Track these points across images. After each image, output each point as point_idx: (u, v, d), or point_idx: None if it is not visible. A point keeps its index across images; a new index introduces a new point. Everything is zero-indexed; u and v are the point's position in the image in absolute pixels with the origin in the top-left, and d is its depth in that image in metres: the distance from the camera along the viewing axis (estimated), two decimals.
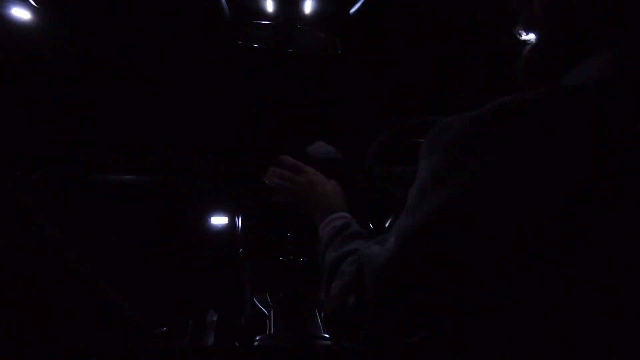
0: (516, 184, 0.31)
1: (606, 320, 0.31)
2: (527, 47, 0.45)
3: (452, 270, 0.34)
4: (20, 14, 1.04)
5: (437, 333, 0.36)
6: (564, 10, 0.40)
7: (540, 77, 0.44)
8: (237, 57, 1.29)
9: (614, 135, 0.31)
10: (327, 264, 0.53)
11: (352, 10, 1.17)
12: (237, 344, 1.07)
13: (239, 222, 1.25)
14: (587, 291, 0.31)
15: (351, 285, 0.42)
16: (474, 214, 0.33)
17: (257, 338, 0.96)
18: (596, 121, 0.31)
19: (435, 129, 0.38)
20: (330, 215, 0.66)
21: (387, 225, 1.08)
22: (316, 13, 1.21)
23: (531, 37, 0.44)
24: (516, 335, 0.33)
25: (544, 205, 0.31)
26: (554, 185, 0.31)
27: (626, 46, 0.36)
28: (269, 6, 1.20)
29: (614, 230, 0.30)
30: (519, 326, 0.33)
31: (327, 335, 1.00)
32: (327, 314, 0.47)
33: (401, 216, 0.40)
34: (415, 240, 0.36)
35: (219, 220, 1.33)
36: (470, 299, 0.33)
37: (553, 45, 0.42)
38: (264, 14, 1.23)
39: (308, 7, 1.19)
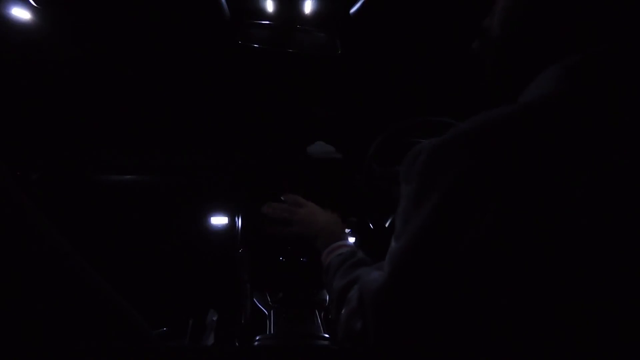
0: (478, 202, 0.33)
1: (602, 329, 0.31)
2: (487, 60, 0.47)
3: (441, 289, 0.35)
4: (20, 14, 1.04)
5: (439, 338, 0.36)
6: (519, 21, 0.42)
7: (503, 90, 0.46)
8: (237, 57, 1.29)
9: (565, 149, 0.32)
10: (335, 291, 0.57)
11: (352, 10, 1.17)
12: (237, 344, 1.07)
13: (239, 222, 1.25)
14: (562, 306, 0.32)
15: (357, 312, 0.44)
16: (447, 234, 0.35)
17: (257, 338, 0.96)
18: (548, 138, 0.33)
19: (409, 156, 0.41)
20: (334, 242, 0.71)
21: (387, 225, 1.08)
22: (316, 13, 1.21)
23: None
24: (505, 349, 0.33)
25: (515, 222, 0.32)
26: (517, 201, 0.32)
27: (576, 57, 0.37)
28: (269, 6, 1.20)
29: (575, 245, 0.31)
30: (506, 343, 0.33)
31: (327, 335, 1.00)
32: (339, 339, 0.50)
33: (391, 241, 0.42)
34: (403, 264, 0.38)
35: (219, 220, 1.33)
36: (464, 314, 0.34)
37: (510, 58, 0.44)
38: (264, 14, 1.23)
39: (308, 7, 1.19)
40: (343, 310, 0.50)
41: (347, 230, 1.24)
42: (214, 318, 1.15)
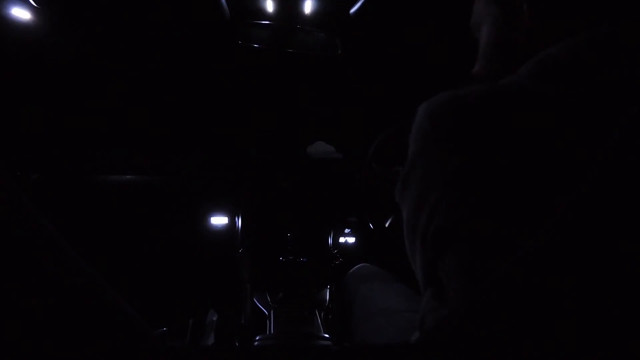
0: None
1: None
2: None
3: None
4: (20, 14, 1.04)
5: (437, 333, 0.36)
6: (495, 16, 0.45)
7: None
8: (237, 57, 1.29)
9: (515, 130, 0.34)
10: None
11: (352, 10, 1.17)
12: (237, 344, 1.07)
13: (239, 222, 1.25)
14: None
15: None
16: (423, 203, 0.37)
17: (257, 338, 0.96)
18: (498, 116, 0.35)
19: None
20: None
21: (387, 225, 1.08)
22: (316, 13, 1.21)
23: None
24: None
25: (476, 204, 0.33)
26: (478, 181, 0.34)
27: (547, 51, 0.39)
28: (269, 6, 1.20)
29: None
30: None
31: (327, 335, 1.00)
32: None
33: None
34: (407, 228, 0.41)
35: (219, 220, 1.33)
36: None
37: (494, 52, 0.47)
38: (264, 14, 1.23)
39: (308, 7, 1.19)
40: None
41: (347, 230, 1.25)
42: (214, 318, 1.15)
